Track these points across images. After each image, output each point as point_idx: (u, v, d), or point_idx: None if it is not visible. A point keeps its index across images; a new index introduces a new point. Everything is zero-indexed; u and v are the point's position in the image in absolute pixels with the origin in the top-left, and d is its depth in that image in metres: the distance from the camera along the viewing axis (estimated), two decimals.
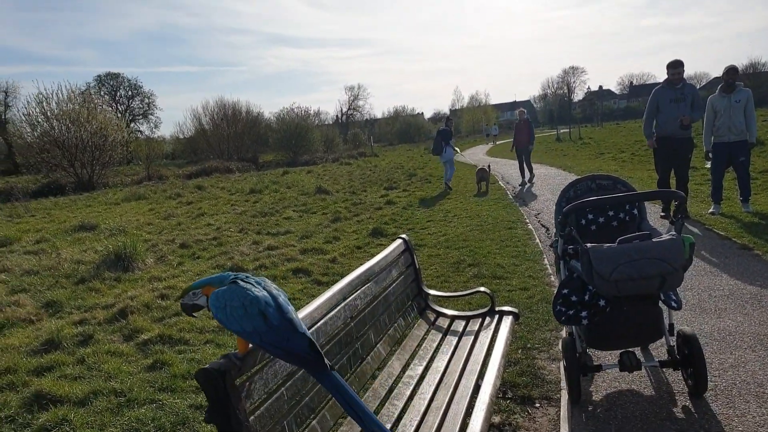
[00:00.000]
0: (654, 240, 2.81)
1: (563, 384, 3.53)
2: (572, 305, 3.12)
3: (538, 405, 3.37)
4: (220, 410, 1.66)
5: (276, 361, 1.98)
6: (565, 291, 3.15)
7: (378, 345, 2.84)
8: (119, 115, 50.86)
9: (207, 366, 1.67)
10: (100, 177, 24.17)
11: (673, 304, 3.07)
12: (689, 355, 3.04)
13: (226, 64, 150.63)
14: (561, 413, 3.20)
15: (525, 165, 14.52)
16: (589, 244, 2.89)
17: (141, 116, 64.77)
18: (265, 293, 1.78)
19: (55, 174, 23.55)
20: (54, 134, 23.46)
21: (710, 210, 7.85)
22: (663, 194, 3.15)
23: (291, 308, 1.81)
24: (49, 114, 23.87)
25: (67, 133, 23.31)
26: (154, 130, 64.13)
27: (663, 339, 3.21)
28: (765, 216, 7.27)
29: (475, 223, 9.09)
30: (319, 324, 2.34)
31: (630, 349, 3.18)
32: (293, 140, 39.40)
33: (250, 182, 19.62)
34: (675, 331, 3.20)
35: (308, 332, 1.78)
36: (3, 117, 47.17)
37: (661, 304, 3.10)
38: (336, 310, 2.54)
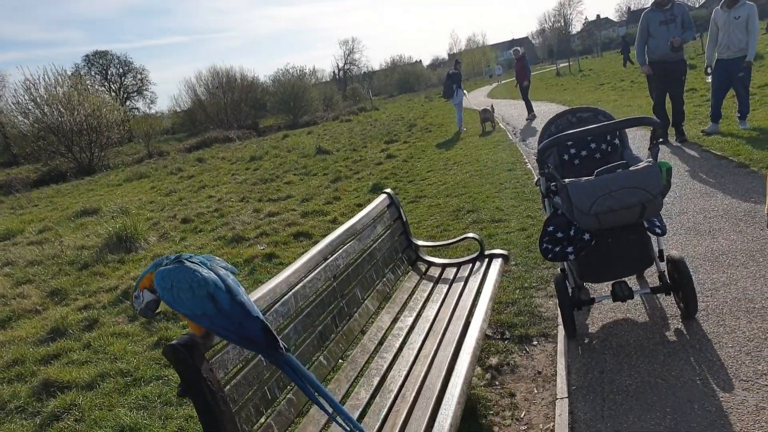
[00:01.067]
0: (631, 169, 2.75)
1: (560, 320, 3.54)
2: (558, 242, 3.09)
3: (535, 343, 3.40)
4: (192, 384, 1.67)
5: None
6: (550, 228, 3.13)
7: (366, 301, 2.85)
8: (113, 94, 50.35)
9: (174, 342, 1.67)
10: (100, 159, 24.01)
11: (657, 230, 3.03)
12: (679, 279, 3.03)
13: (215, 31, 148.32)
14: (558, 348, 3.22)
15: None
16: (567, 180, 2.84)
17: (135, 93, 64.08)
18: (213, 275, 1.68)
19: (54, 161, 23.29)
20: (47, 120, 23.13)
21: (706, 128, 7.68)
22: (638, 121, 3.05)
23: (242, 290, 1.72)
24: (38, 100, 23.57)
25: (60, 117, 23.00)
26: (150, 106, 63.41)
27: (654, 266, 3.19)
28: (763, 131, 7.09)
29: (475, 169, 9.03)
30: (297, 288, 2.34)
31: (623, 279, 3.16)
32: (291, 102, 38.93)
33: (250, 149, 19.52)
34: (665, 257, 3.17)
35: (261, 315, 1.71)
36: None
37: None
38: (316, 271, 2.53)
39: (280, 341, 1.68)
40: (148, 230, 8.05)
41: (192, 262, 1.69)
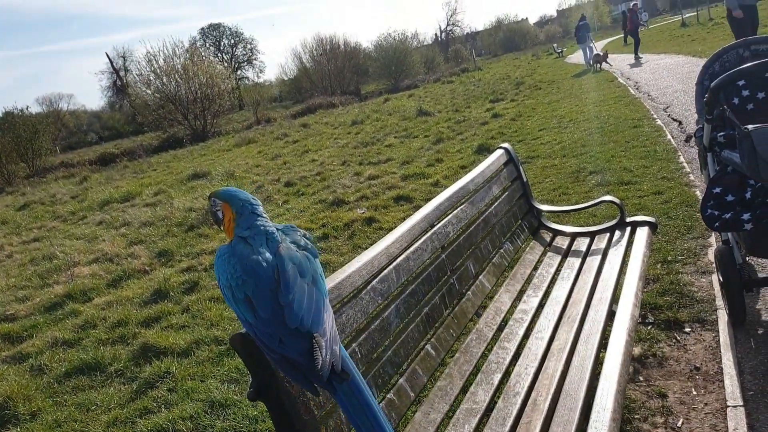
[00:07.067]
0: None
1: (719, 303, 2.90)
2: (728, 207, 2.44)
3: (688, 330, 2.79)
4: (266, 385, 1.29)
5: (341, 314, 1.59)
6: (717, 190, 2.48)
7: (480, 277, 2.38)
8: (225, 64, 52.29)
9: (242, 330, 1.30)
10: (212, 126, 25.04)
11: None
12: None
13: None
14: (721, 339, 2.60)
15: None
16: (750, 126, 2.18)
17: (245, 63, 65.88)
18: (266, 260, 1.22)
19: (172, 129, 24.67)
20: (166, 90, 24.39)
21: None
22: None
23: (299, 282, 1.21)
24: (158, 71, 24.80)
25: (177, 87, 24.15)
26: (259, 75, 65.05)
27: None
28: None
29: (594, 126, 8.20)
30: (398, 260, 1.92)
31: None
32: (393, 66, 38.59)
33: (352, 114, 19.36)
34: None
35: (323, 326, 1.21)
36: (125, 81, 50.09)
37: None
38: (420, 241, 2.09)
39: (336, 368, 1.19)
40: (253, 193, 7.98)
41: (254, 238, 1.26)
